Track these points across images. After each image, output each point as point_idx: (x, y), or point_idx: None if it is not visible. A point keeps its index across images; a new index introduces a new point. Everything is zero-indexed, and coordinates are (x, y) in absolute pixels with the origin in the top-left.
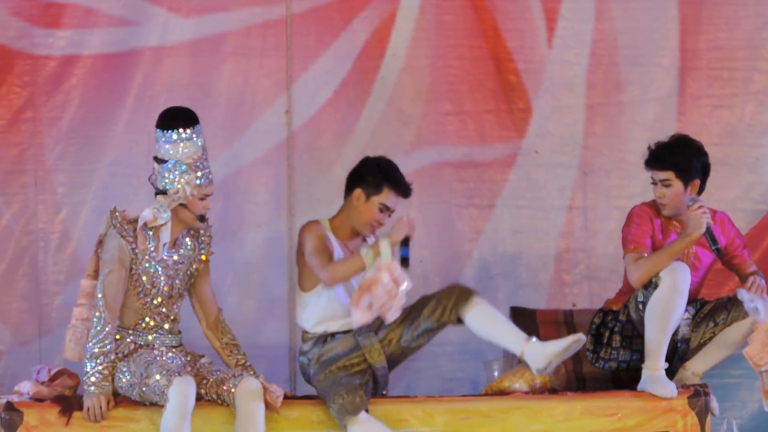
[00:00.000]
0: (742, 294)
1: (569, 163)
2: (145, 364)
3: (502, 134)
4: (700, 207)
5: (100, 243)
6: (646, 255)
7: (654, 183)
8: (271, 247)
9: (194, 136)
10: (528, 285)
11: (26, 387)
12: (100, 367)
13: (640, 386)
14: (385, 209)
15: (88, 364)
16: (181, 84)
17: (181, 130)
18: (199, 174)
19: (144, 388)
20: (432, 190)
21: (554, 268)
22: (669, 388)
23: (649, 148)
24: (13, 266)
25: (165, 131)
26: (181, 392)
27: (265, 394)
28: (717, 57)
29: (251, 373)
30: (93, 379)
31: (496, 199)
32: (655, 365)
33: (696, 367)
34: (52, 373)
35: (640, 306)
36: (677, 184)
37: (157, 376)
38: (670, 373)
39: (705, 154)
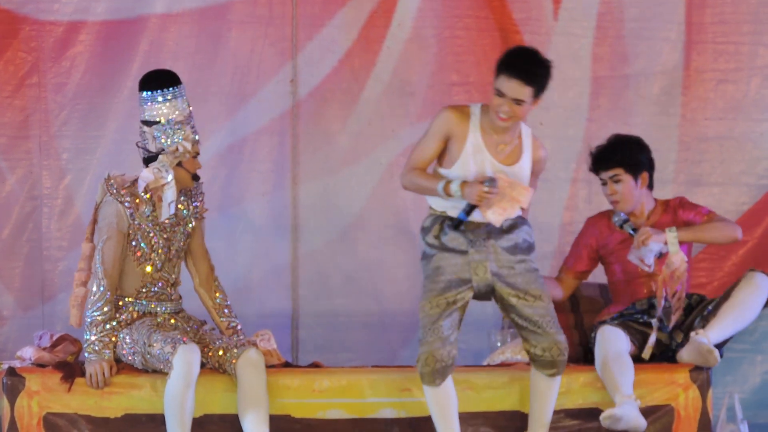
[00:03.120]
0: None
1: (574, 135)
2: (147, 332)
3: None
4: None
5: (97, 210)
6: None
7: (604, 183)
8: (275, 215)
9: (181, 93)
10: None
11: (28, 352)
12: (99, 335)
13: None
14: (501, 95)
15: (88, 333)
16: (187, 52)
17: (168, 89)
18: (193, 130)
19: (148, 357)
20: None
21: (558, 240)
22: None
23: (590, 153)
24: (16, 231)
25: (152, 92)
26: (185, 360)
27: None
28: (722, 31)
29: (241, 336)
30: (92, 347)
31: None
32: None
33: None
34: (54, 338)
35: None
36: (627, 179)
37: (161, 344)
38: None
39: (647, 149)
